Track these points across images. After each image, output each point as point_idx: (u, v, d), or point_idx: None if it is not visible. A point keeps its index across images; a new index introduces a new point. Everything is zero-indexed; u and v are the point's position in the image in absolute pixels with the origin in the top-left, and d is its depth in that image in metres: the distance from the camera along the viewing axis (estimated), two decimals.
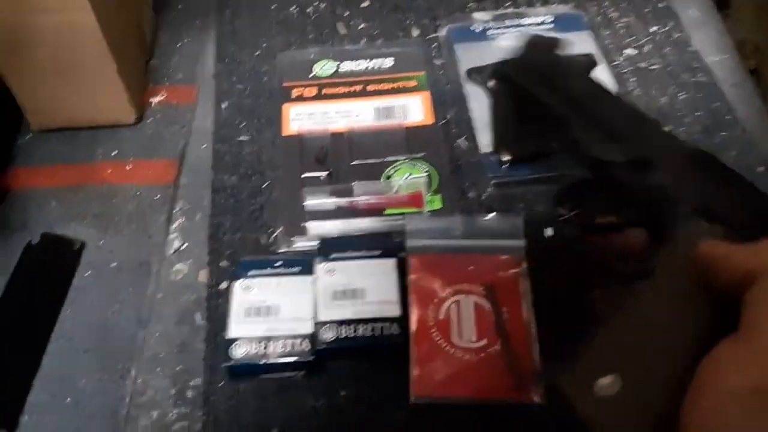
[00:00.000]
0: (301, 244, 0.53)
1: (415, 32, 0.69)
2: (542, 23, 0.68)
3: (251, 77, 0.65)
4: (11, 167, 0.56)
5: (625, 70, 0.65)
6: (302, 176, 0.56)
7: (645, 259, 0.41)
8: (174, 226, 0.55)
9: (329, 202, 0.54)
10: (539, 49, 0.53)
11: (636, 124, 0.45)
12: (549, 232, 0.54)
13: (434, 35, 0.68)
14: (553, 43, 0.54)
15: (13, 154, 0.58)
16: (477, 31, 0.67)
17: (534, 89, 0.50)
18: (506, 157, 0.57)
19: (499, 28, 0.67)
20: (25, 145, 0.58)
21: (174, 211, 0.56)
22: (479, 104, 0.61)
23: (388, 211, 0.54)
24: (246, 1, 0.72)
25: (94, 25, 0.52)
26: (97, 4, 0.52)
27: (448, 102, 0.62)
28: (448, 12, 0.70)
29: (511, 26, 0.67)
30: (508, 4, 0.71)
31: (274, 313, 0.47)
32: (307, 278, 0.49)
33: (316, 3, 0.71)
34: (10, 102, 0.58)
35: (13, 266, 0.49)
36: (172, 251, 0.54)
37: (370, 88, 0.63)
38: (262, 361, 0.45)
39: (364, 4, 0.71)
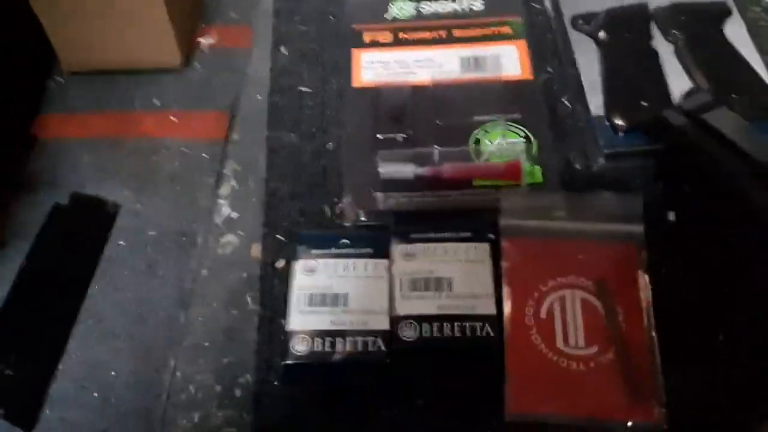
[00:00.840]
0: (372, 218, 0.44)
1: None
2: None
3: (316, 17, 0.56)
4: (41, 114, 0.49)
5: (762, 23, 0.53)
6: (376, 137, 0.47)
7: None
8: (223, 190, 0.47)
9: (407, 169, 0.45)
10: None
11: None
12: (672, 216, 0.45)
13: None
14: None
15: (43, 99, 0.50)
16: None
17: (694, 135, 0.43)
18: (621, 123, 0.47)
19: None
20: (57, 89, 0.50)
21: (223, 173, 0.48)
22: (588, 59, 0.51)
23: (477, 183, 0.45)
24: None
25: None
26: None
27: (550, 54, 0.52)
28: None
29: None
30: None
31: (342, 303, 0.38)
32: (382, 262, 0.40)
33: None
34: (42, 40, 0.50)
35: (38, 230, 0.42)
36: (220, 220, 0.46)
37: (456, 33, 0.53)
38: (328, 361, 0.37)
39: None
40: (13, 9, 0.47)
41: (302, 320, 0.38)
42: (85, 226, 0.45)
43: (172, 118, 0.50)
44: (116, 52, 0.52)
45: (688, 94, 0.48)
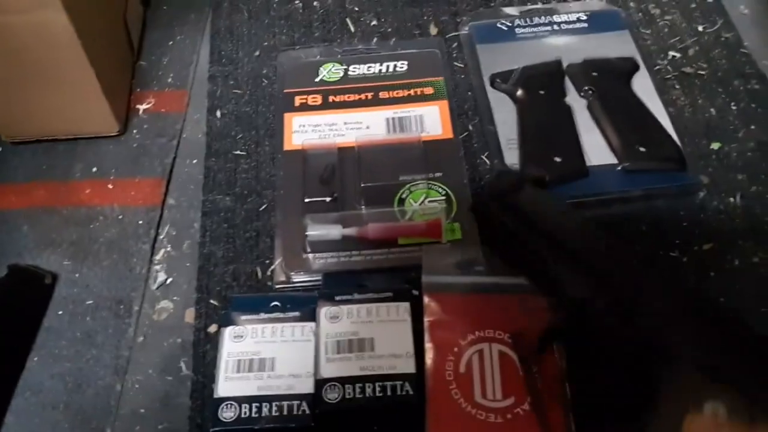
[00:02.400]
0: (301, 279, 0.46)
1: (433, 30, 0.61)
2: (576, 20, 0.60)
3: (249, 81, 0.58)
4: None
5: (668, 76, 0.57)
6: (305, 200, 0.49)
7: None
8: (158, 256, 0.49)
9: (334, 231, 0.47)
10: (508, 182, 0.45)
11: (619, 258, 0.38)
12: None
13: (454, 34, 0.61)
14: (521, 178, 0.46)
15: None
16: (503, 29, 0.60)
17: (505, 220, 0.43)
18: (536, 176, 0.50)
19: (527, 26, 0.60)
20: None
21: (159, 238, 0.49)
22: (506, 116, 0.54)
23: (402, 241, 0.47)
24: None
25: (66, 24, 0.46)
26: (71, 3, 0.45)
27: (470, 112, 0.55)
28: (471, 7, 0.63)
29: (541, 24, 0.60)
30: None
31: (269, 368, 0.40)
32: (308, 325, 0.42)
33: None
34: None
35: None
36: (155, 286, 0.47)
37: (382, 95, 0.56)
38: (254, 427, 0.38)
39: None
40: None
41: (230, 386, 0.40)
42: (24, 298, 0.45)
43: (109, 185, 0.52)
44: (54, 121, 0.53)
45: (496, 176, 0.50)
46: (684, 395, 0.29)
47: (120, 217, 0.50)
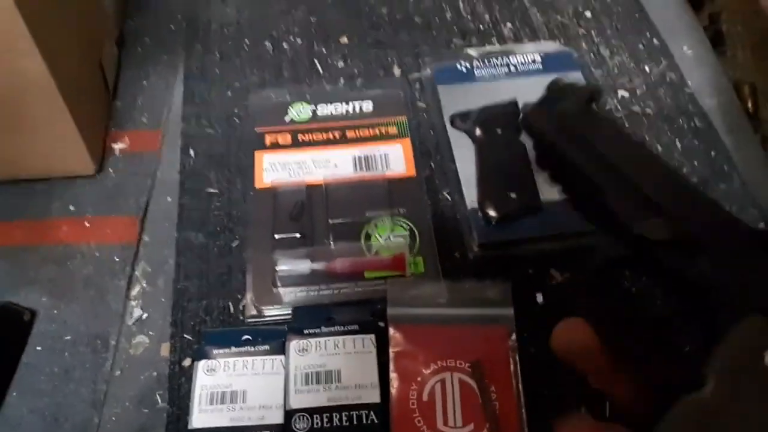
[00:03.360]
0: (272, 313, 0.49)
1: (397, 71, 0.65)
2: (531, 62, 0.64)
3: (222, 121, 0.61)
4: None
5: (618, 114, 0.61)
6: (275, 236, 0.51)
7: None
8: (134, 292, 0.51)
9: (303, 266, 0.50)
10: (568, 97, 0.45)
11: (684, 196, 0.36)
12: (540, 298, 0.51)
13: (417, 74, 0.64)
14: (588, 91, 0.46)
15: None
16: (462, 70, 0.64)
17: (560, 145, 0.42)
18: (493, 215, 0.53)
19: (486, 67, 0.64)
20: None
21: (134, 275, 0.51)
22: (465, 153, 0.57)
23: (368, 275, 0.50)
24: (217, 35, 0.67)
25: (43, 71, 0.48)
26: (47, 48, 0.47)
27: (432, 150, 0.59)
28: (432, 48, 0.66)
29: (499, 65, 0.64)
30: (495, 40, 0.67)
31: (241, 400, 0.42)
32: (278, 358, 0.44)
33: (292, 38, 0.67)
34: None
35: None
36: (131, 321, 0.49)
37: (348, 134, 0.59)
38: None
39: (343, 40, 0.67)
40: None
41: (204, 418, 0.42)
42: (3, 334, 0.47)
43: (86, 223, 0.53)
44: (31, 161, 0.55)
45: (556, 90, 0.48)
46: (751, 339, 0.27)
47: (96, 254, 0.52)
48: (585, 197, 0.41)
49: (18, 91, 0.50)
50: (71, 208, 0.55)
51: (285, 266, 0.50)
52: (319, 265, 0.50)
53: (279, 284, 0.49)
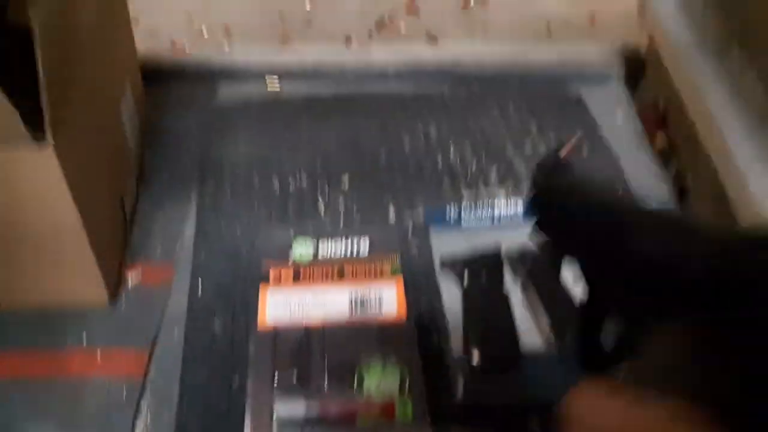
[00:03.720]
0: None
1: (392, 212, 0.71)
2: (514, 212, 0.70)
3: (230, 255, 0.66)
4: None
5: None
6: (274, 378, 0.55)
7: None
8: (139, 428, 0.54)
9: (299, 408, 0.53)
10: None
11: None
12: None
13: (410, 217, 0.70)
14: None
15: None
16: (451, 216, 0.70)
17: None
18: (475, 364, 0.57)
19: (472, 215, 0.70)
20: None
21: (140, 410, 0.55)
22: (453, 298, 0.63)
23: (360, 420, 0.54)
24: (229, 173, 0.74)
25: (75, 218, 0.53)
26: (84, 203, 0.53)
27: (422, 293, 0.64)
28: (424, 192, 0.73)
29: (484, 212, 0.70)
30: (482, 187, 0.74)
31: None
32: None
33: (297, 178, 0.73)
34: None
35: None
36: None
37: (346, 272, 0.64)
38: None
39: (344, 182, 0.73)
40: None
41: None
42: None
43: (97, 356, 0.57)
44: (50, 294, 0.59)
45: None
46: None
47: (105, 387, 0.55)
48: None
49: (49, 234, 0.55)
50: (83, 338, 0.59)
51: (281, 407, 0.53)
52: (314, 410, 0.53)
53: (276, 426, 0.53)
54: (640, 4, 0.97)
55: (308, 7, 1.31)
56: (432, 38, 1.25)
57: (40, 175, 0.50)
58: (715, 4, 0.81)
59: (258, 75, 0.86)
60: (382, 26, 1.29)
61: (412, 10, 1.32)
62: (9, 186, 0.51)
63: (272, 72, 0.87)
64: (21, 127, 0.47)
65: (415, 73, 0.87)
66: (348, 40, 1.21)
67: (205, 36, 1.23)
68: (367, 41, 1.22)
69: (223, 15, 1.28)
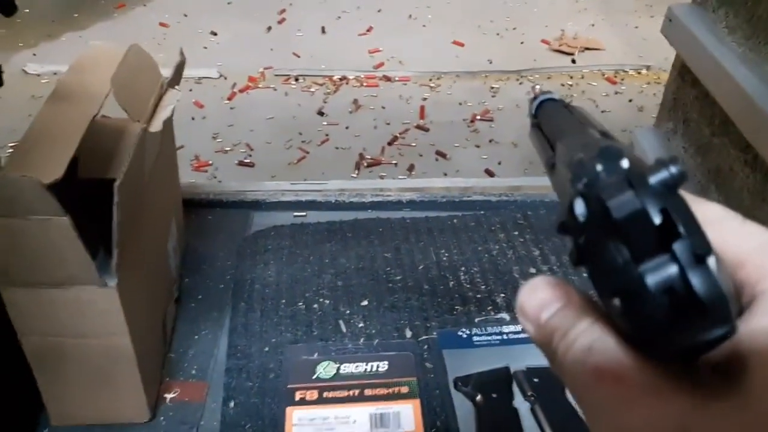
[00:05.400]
0: None
1: (408, 333, 0.77)
2: (521, 330, 0.76)
3: (259, 375, 0.72)
4: None
5: None
6: None
7: None
8: None
9: None
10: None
11: None
12: None
13: (425, 337, 0.76)
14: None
15: None
16: (463, 336, 0.76)
17: None
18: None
19: (482, 334, 0.76)
20: None
21: None
22: (466, 414, 0.67)
23: None
24: (258, 296, 0.81)
25: (129, 348, 0.60)
26: (136, 331, 0.59)
27: (438, 410, 0.69)
28: (438, 314, 0.79)
29: (494, 333, 0.76)
30: (490, 308, 0.80)
31: None
32: None
33: (321, 300, 0.80)
34: (31, 395, 0.63)
35: None
36: None
37: (367, 392, 0.69)
38: None
39: (364, 303, 0.80)
40: (8, 367, 0.62)
41: None
42: None
43: None
44: (97, 411, 0.64)
45: None
46: None
47: None
48: None
49: (103, 358, 0.61)
50: None
51: None
52: None
53: None
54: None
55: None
56: (440, 155, 1.36)
57: (103, 309, 0.57)
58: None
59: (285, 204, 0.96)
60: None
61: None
62: (74, 316, 0.58)
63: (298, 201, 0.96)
64: (94, 272, 0.55)
65: (427, 202, 0.96)
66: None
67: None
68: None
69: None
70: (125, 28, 1.90)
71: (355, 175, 1.30)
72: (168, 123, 0.69)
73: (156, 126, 0.64)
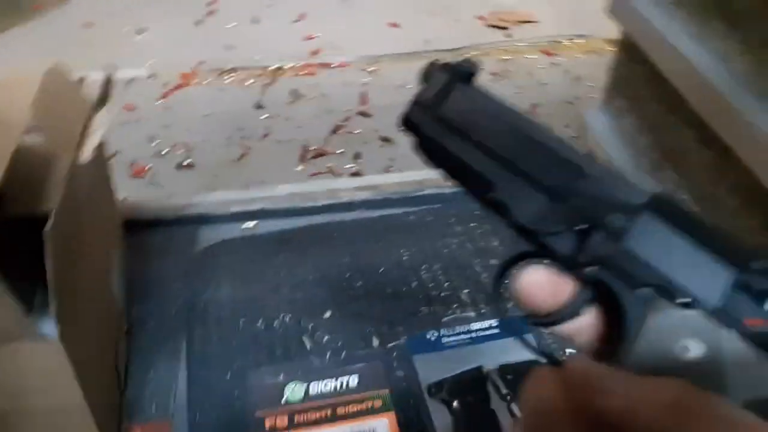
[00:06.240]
0: None
1: (375, 341, 0.74)
2: (489, 327, 0.75)
3: (224, 405, 0.68)
4: None
5: None
6: None
7: None
8: None
9: None
10: (448, 81, 0.37)
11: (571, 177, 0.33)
12: None
13: (393, 343, 0.74)
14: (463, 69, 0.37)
15: None
16: (432, 339, 0.74)
17: (444, 141, 0.36)
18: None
19: (451, 335, 0.74)
20: None
21: None
22: (442, 421, 0.66)
23: None
24: (213, 319, 0.77)
25: (82, 403, 0.55)
26: (86, 381, 0.55)
27: (415, 421, 0.67)
28: (404, 317, 0.77)
29: (462, 333, 0.74)
30: (456, 305, 0.78)
31: None
32: None
33: (281, 316, 0.77)
34: None
35: None
36: None
37: (339, 410, 0.67)
38: None
39: (326, 315, 0.77)
40: None
41: None
42: None
43: None
44: None
45: (424, 78, 0.39)
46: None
47: None
48: (478, 194, 0.36)
49: (54, 414, 0.56)
50: None
51: None
52: None
53: None
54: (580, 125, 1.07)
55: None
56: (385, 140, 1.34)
57: (45, 366, 0.52)
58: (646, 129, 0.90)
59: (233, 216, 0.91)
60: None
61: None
62: (16, 374, 0.53)
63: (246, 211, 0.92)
64: (27, 321, 0.50)
65: (381, 200, 0.93)
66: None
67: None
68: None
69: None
70: (45, 29, 1.78)
71: (300, 169, 1.26)
72: (99, 148, 0.63)
73: (86, 156, 0.59)
